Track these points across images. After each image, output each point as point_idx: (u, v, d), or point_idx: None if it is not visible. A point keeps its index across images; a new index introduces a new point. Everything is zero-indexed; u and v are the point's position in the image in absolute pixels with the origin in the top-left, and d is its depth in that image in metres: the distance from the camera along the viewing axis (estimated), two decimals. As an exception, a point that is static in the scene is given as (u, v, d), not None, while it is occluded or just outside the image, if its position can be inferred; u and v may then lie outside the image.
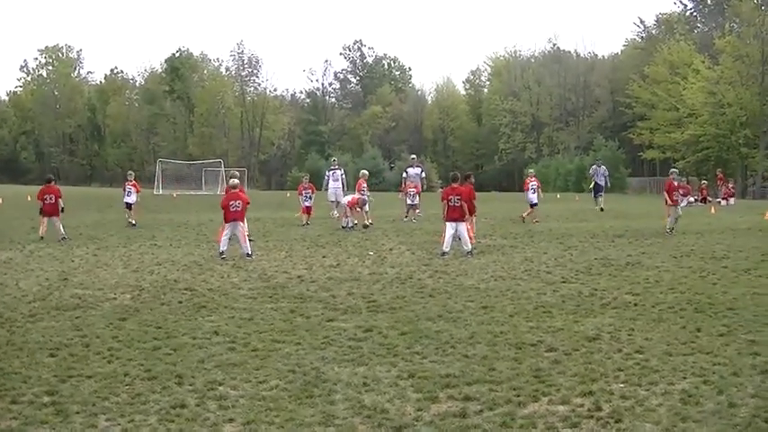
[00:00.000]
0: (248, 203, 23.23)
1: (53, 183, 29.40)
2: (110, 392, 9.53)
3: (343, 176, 38.28)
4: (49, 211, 27.92)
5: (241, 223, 22.59)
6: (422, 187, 37.88)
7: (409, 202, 35.38)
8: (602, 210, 40.48)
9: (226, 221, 22.68)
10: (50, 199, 28.04)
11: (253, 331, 12.84)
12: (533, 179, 36.05)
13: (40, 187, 29.92)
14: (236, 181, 23.99)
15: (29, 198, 53.65)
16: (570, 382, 9.78)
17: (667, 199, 28.71)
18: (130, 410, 8.90)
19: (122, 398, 9.35)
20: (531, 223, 32.86)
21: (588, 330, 12.61)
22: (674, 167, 40.82)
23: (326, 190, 37.30)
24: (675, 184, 29.56)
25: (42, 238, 27.02)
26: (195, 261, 21.42)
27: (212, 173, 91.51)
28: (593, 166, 45.39)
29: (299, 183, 36.37)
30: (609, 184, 44.85)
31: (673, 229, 27.96)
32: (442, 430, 8.23)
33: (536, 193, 35.29)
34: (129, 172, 37.48)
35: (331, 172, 38.08)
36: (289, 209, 41.38)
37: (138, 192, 34.75)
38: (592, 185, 44.61)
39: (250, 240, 25.34)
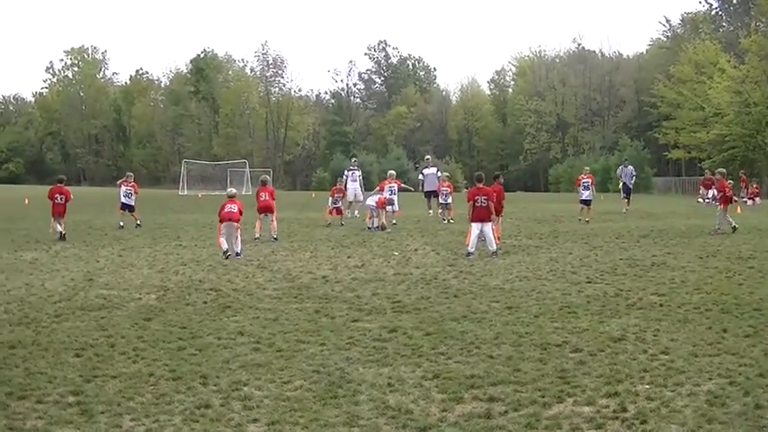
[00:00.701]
0: (241, 212, 23.62)
1: (63, 183, 29.63)
2: (135, 392, 9.54)
3: (361, 177, 38.38)
4: (58, 211, 28.21)
5: (236, 224, 22.86)
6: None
7: (442, 201, 35.12)
8: (624, 211, 39.76)
9: (221, 222, 23.13)
10: (60, 199, 28.30)
11: (277, 332, 12.85)
12: (585, 176, 35.36)
13: (51, 187, 30.17)
14: (233, 191, 25.53)
15: (26, 201, 54.05)
16: (595, 383, 9.73)
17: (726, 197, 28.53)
18: (155, 411, 8.91)
19: (147, 398, 9.36)
20: (583, 223, 32.68)
21: (613, 331, 12.55)
22: (721, 168, 39.01)
23: (346, 190, 37.35)
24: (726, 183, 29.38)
25: (62, 237, 27.26)
26: (220, 261, 21.46)
27: (237, 173, 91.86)
28: (620, 167, 44.78)
29: (333, 185, 36.39)
30: (631, 185, 43.86)
31: (718, 229, 27.91)
32: (467, 431, 8.20)
33: (589, 190, 34.58)
34: (129, 173, 36.71)
35: (350, 172, 38.17)
36: (314, 209, 41.46)
37: (136, 193, 34.31)
38: (621, 186, 43.82)
39: (275, 239, 25.61)
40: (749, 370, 10.18)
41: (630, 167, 44.02)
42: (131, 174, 36.05)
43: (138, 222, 33.09)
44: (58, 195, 28.41)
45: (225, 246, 22.53)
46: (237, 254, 22.41)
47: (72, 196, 29.32)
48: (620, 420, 8.43)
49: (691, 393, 9.28)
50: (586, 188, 34.22)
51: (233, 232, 22.84)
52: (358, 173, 38.22)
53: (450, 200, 35.08)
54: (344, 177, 38.02)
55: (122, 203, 33.54)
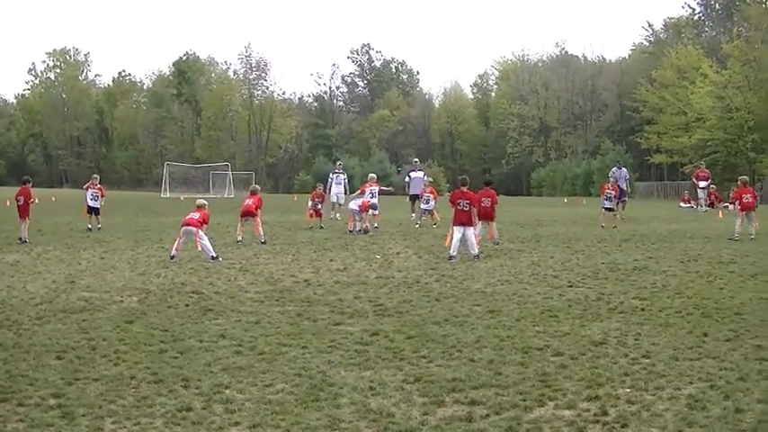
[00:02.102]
0: (205, 221, 23.69)
1: (26, 185, 29.57)
2: (116, 395, 9.52)
3: (346, 180, 38.40)
4: (20, 212, 28.26)
5: (194, 229, 22.87)
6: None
7: (424, 206, 34.70)
8: (621, 218, 37.01)
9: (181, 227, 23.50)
10: (20, 201, 28.27)
11: (259, 335, 12.84)
12: (611, 187, 35.05)
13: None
14: (202, 201, 25.05)
15: (8, 203, 53.89)
16: (576, 387, 9.77)
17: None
18: (137, 413, 8.90)
19: (129, 401, 9.35)
20: (609, 228, 32.33)
21: (595, 335, 12.59)
22: (743, 175, 36.99)
23: (329, 192, 37.34)
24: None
25: (24, 240, 27.26)
26: (202, 264, 21.42)
27: (220, 176, 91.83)
28: (614, 169, 43.20)
29: (313, 189, 36.37)
30: (628, 189, 42.69)
31: (739, 235, 27.42)
32: (448, 434, 8.22)
33: (609, 199, 34.40)
34: (95, 175, 36.25)
35: (335, 175, 38.26)
36: (296, 212, 41.42)
37: (102, 196, 33.77)
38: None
39: (262, 243, 25.63)
40: (729, 374, 10.22)
41: (624, 170, 43.07)
42: (97, 176, 35.59)
43: (100, 226, 32.76)
44: (19, 197, 28.37)
45: (174, 251, 22.70)
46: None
47: (33, 198, 29.11)
48: (600, 424, 8.47)
49: (671, 397, 9.32)
50: (609, 199, 34.18)
51: (191, 238, 22.99)
52: (343, 176, 38.28)
53: (432, 205, 34.66)
54: (329, 180, 38.07)
55: (89, 206, 33.08)
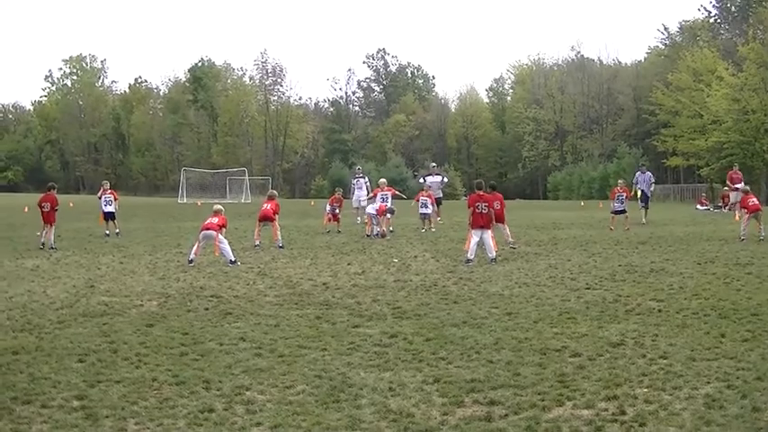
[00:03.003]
0: (224, 225, 23.86)
1: (51, 191, 29.59)
2: (138, 397, 9.64)
3: (368, 184, 38.49)
4: (45, 218, 28.25)
5: (214, 233, 23.03)
6: (442, 195, 37.70)
7: (422, 211, 34.02)
8: (643, 222, 37.29)
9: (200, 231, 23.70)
10: (45, 207, 28.32)
11: (279, 337, 12.95)
12: (621, 189, 34.87)
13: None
14: (219, 207, 25.04)
15: (26, 209, 54.15)
16: (594, 387, 9.84)
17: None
18: (159, 415, 9.02)
19: (151, 402, 9.46)
20: (624, 230, 32.49)
21: (612, 336, 12.66)
22: (746, 185, 36.44)
23: (351, 197, 37.48)
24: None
25: (44, 245, 27.40)
26: (221, 269, 21.55)
27: (236, 181, 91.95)
28: (638, 173, 41.76)
29: (332, 194, 36.52)
30: (650, 194, 40.93)
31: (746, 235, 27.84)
32: (468, 434, 8.30)
33: (621, 202, 34.25)
34: (104, 181, 36.60)
35: (356, 180, 38.43)
36: (314, 217, 41.53)
37: (116, 200, 33.98)
38: (639, 194, 39.88)
39: (280, 248, 25.78)
40: (747, 374, 10.29)
41: (649, 173, 41.33)
42: (107, 182, 36.03)
43: (118, 231, 32.89)
44: (44, 204, 28.44)
45: (193, 255, 22.80)
46: (232, 261, 22.53)
47: (58, 204, 29.14)
48: (618, 423, 8.54)
49: (689, 397, 9.39)
50: (621, 201, 34.22)
51: (210, 242, 23.13)
52: (363, 180, 38.39)
53: (431, 210, 34.21)
54: (351, 186, 38.32)
55: (105, 213, 33.27)
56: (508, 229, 26.68)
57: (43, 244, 27.39)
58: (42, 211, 28.38)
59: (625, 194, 34.43)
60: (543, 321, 14.06)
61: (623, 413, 8.83)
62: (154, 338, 12.89)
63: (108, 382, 10.34)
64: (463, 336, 12.88)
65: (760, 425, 8.36)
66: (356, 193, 37.81)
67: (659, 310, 14.89)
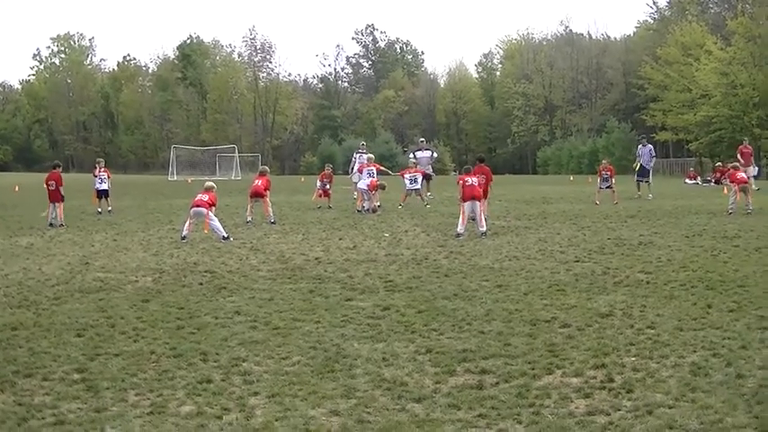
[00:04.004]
0: (214, 203, 24.06)
1: (57, 169, 29.66)
2: (137, 369, 9.82)
3: (371, 155, 38.29)
4: (52, 197, 28.35)
5: (204, 210, 23.17)
6: (432, 170, 37.81)
7: (412, 186, 33.78)
8: (644, 197, 37.12)
9: (190, 208, 23.85)
10: (52, 185, 28.39)
11: (273, 311, 13.14)
12: (605, 169, 35.26)
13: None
14: (210, 184, 25.09)
15: (16, 188, 54.17)
16: (583, 356, 10.05)
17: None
18: (159, 386, 9.20)
19: (150, 374, 9.65)
20: (612, 204, 32.71)
21: (601, 307, 12.88)
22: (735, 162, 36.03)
23: (352, 172, 37.66)
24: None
25: (51, 224, 27.44)
26: (213, 245, 21.70)
27: (226, 158, 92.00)
28: (639, 146, 41.40)
29: (321, 170, 36.71)
30: (650, 168, 40.06)
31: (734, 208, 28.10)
32: (460, 401, 8.50)
33: (606, 180, 34.78)
34: (98, 159, 36.73)
35: (358, 155, 38.46)
36: (304, 193, 41.67)
37: (109, 177, 33.77)
38: (637, 167, 39.83)
39: (272, 224, 25.98)
40: (732, 343, 10.51)
41: (649, 146, 40.91)
42: (102, 160, 36.12)
43: (110, 209, 32.88)
44: (50, 182, 28.50)
45: (185, 231, 22.97)
46: (225, 237, 22.66)
47: (63, 182, 29.15)
48: (607, 390, 8.75)
49: (675, 365, 9.61)
50: (605, 179, 34.65)
51: (201, 219, 23.32)
52: (366, 156, 38.46)
53: (419, 184, 34.02)
54: (353, 160, 38.38)
55: (98, 190, 33.17)
56: (484, 214, 24.42)
57: (51, 224, 27.44)
58: (49, 190, 28.48)
59: (609, 173, 34.65)
60: (533, 293, 14.28)
61: (611, 380, 9.04)
62: (150, 313, 13.06)
63: (107, 355, 10.52)
64: (454, 308, 13.08)
65: (743, 391, 8.55)
66: (357, 167, 37.79)
67: (647, 282, 15.11)
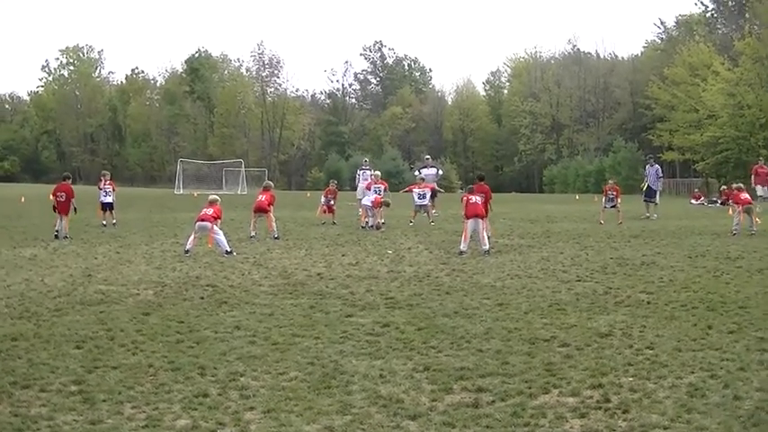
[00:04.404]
0: (219, 216, 24.09)
1: (67, 181, 29.69)
2: (134, 382, 9.83)
3: (377, 172, 38.11)
4: (60, 208, 28.27)
5: (209, 224, 23.08)
6: (437, 187, 37.91)
7: (420, 203, 33.81)
8: (653, 217, 37.09)
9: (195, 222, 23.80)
10: (62, 197, 28.37)
11: (273, 326, 13.14)
12: (611, 189, 35.27)
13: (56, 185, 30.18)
14: (215, 197, 25.33)
15: (22, 199, 54.22)
16: (581, 376, 10.04)
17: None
18: (155, 399, 9.20)
19: (147, 387, 9.65)
20: (617, 224, 32.50)
21: (601, 327, 12.87)
22: (739, 183, 35.68)
23: (358, 188, 37.80)
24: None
25: (57, 235, 27.33)
26: (216, 259, 21.71)
27: (232, 173, 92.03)
28: (647, 166, 40.78)
29: (326, 186, 36.90)
30: (658, 188, 39.42)
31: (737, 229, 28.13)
32: (455, 419, 8.49)
33: (611, 200, 34.69)
34: (104, 171, 36.87)
35: (362, 171, 38.54)
36: (309, 209, 41.64)
37: (114, 190, 33.99)
38: (644, 187, 39.36)
39: (275, 238, 26.01)
40: (730, 364, 10.49)
41: (656, 167, 40.17)
42: (107, 173, 36.13)
43: (115, 221, 32.96)
44: (59, 193, 28.47)
45: (189, 245, 22.89)
46: (227, 252, 22.61)
47: (74, 195, 29.10)
48: (603, 410, 8.74)
49: (672, 386, 9.59)
50: (611, 200, 34.72)
51: (206, 233, 23.24)
52: (369, 172, 38.38)
53: (427, 200, 34.09)
54: (357, 176, 38.46)
55: (103, 203, 33.27)
56: (487, 232, 24.25)
57: (57, 234, 27.37)
58: (58, 201, 28.42)
59: (615, 193, 34.67)
60: (533, 312, 14.27)
61: (608, 401, 9.03)
62: (150, 326, 13.07)
63: (105, 367, 10.52)
64: (454, 325, 13.08)
65: (740, 413, 8.54)
66: (362, 184, 37.65)
67: (648, 302, 15.10)
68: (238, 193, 79.85)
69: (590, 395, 9.28)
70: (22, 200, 54.17)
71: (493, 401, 9.10)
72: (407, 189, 35.99)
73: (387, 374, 10.22)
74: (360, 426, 8.34)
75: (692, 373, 10.15)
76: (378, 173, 35.77)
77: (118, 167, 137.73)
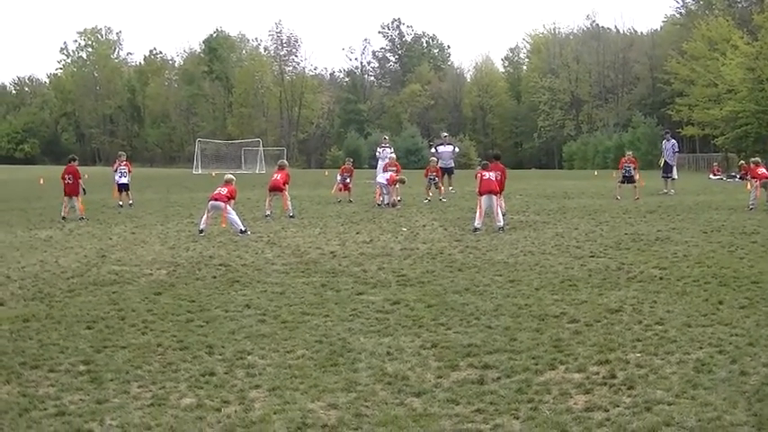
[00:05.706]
0: (233, 196, 23.86)
1: (73, 163, 29.82)
2: (143, 361, 9.88)
3: (392, 155, 37.86)
4: (68, 191, 28.44)
5: (222, 204, 23.01)
6: (453, 164, 37.94)
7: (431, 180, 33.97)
8: (671, 192, 36.96)
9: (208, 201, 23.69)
10: (69, 179, 28.51)
11: (283, 304, 13.17)
12: (627, 161, 35.21)
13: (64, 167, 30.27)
14: (230, 176, 25.10)
15: (41, 180, 54.44)
16: (588, 352, 10.03)
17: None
18: (162, 378, 9.25)
19: (154, 366, 9.70)
20: (633, 200, 32.31)
21: (611, 303, 12.83)
22: (756, 157, 35.58)
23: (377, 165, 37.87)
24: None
25: (64, 218, 27.45)
26: (230, 238, 21.74)
27: (251, 152, 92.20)
28: (663, 141, 40.87)
29: (342, 164, 36.92)
30: (673, 163, 39.35)
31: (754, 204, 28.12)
32: (459, 396, 8.51)
33: (628, 172, 34.50)
34: (120, 152, 37.00)
35: (381, 149, 38.51)
36: (327, 187, 41.64)
37: (130, 172, 34.06)
38: (662, 163, 39.30)
39: (291, 217, 25.99)
40: (739, 339, 10.45)
41: (672, 141, 40.35)
42: (123, 153, 36.33)
43: (131, 202, 33.18)
44: (67, 176, 28.56)
45: (203, 225, 22.92)
46: (242, 231, 22.54)
47: (81, 175, 29.16)
48: (608, 386, 8.72)
49: (680, 361, 9.56)
50: (627, 171, 34.53)
51: (219, 212, 23.18)
52: (389, 150, 38.27)
53: (436, 179, 34.16)
54: (378, 152, 38.45)
55: (119, 184, 33.33)
56: (501, 209, 24.04)
57: (64, 218, 27.45)
58: (65, 183, 28.56)
59: (632, 165, 34.49)
60: (545, 288, 14.24)
61: (613, 377, 9.01)
62: (161, 306, 13.13)
63: (114, 347, 10.58)
64: (464, 302, 13.07)
65: (745, 388, 8.50)
66: (380, 163, 37.56)
67: (660, 278, 15.03)
68: (257, 172, 79.98)
69: (596, 371, 9.26)
70: (41, 182, 54.38)
71: (498, 378, 9.10)
72: (425, 174, 35.75)
73: (394, 352, 10.24)
74: (364, 403, 8.35)
75: (701, 348, 10.11)
76: (393, 155, 35.76)
77: (137, 148, 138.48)
